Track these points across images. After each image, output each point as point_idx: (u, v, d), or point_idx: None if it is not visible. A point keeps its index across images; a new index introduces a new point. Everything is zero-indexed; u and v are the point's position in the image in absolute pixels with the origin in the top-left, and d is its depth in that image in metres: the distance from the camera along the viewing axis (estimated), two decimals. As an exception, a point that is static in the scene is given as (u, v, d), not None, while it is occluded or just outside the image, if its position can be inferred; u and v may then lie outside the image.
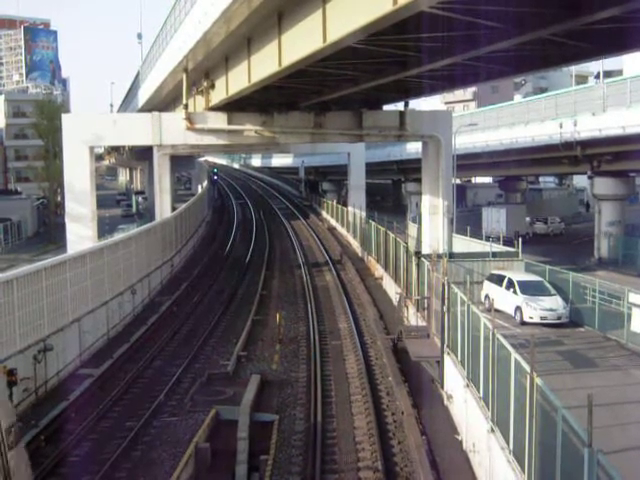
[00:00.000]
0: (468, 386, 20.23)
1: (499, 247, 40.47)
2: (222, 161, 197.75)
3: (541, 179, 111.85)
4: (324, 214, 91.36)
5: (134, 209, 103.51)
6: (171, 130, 42.24)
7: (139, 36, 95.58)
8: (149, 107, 57.88)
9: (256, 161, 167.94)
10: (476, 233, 46.38)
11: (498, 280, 34.52)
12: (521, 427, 14.56)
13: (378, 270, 46.75)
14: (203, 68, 38.45)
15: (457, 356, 22.25)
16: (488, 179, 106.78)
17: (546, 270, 35.31)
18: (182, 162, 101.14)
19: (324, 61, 26.05)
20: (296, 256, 58.73)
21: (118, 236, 41.73)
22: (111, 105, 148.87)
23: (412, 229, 53.78)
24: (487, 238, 42.99)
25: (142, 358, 28.94)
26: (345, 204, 78.23)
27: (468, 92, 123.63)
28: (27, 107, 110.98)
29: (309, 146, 74.42)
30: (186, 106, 41.21)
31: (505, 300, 32.80)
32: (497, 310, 27.19)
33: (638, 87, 44.76)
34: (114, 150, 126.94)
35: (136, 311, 37.24)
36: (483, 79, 36.84)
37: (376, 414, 22.74)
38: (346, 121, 43.16)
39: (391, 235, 42.08)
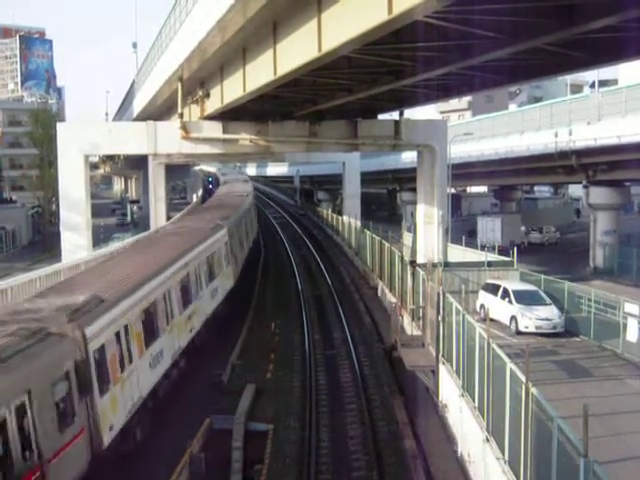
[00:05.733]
0: (463, 396, 20.16)
1: (494, 256, 40.48)
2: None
3: (536, 188, 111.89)
4: (319, 223, 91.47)
5: (129, 218, 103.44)
6: (166, 139, 42.16)
7: (134, 45, 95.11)
8: (144, 116, 57.79)
9: (251, 170, 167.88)
10: (471, 242, 46.39)
11: (493, 289, 34.50)
12: (516, 437, 14.50)
13: (373, 279, 46.70)
14: (198, 77, 38.40)
15: (452, 366, 22.19)
16: (483, 188, 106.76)
17: (541, 279, 35.31)
18: (177, 171, 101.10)
19: (319, 70, 26.03)
20: (291, 266, 58.59)
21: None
22: (106, 114, 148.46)
23: (407, 238, 53.79)
24: (482, 247, 43.00)
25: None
26: (340, 213, 78.23)
27: (463, 101, 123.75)
28: (22, 116, 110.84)
29: (304, 155, 74.35)
30: (181, 115, 41.15)
31: (500, 309, 32.78)
32: (492, 319, 27.13)
33: (633, 96, 44.78)
34: (109, 159, 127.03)
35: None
36: (478, 88, 36.88)
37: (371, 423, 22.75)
38: (341, 130, 43.12)
39: (386, 244, 42.04)
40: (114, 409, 17.91)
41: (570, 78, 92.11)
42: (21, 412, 13.70)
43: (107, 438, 17.14)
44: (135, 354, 20.18)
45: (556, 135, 50.95)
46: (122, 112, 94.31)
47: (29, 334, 15.35)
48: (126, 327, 19.65)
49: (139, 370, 20.37)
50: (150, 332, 21.94)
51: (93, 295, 18.78)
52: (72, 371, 15.85)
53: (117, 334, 18.88)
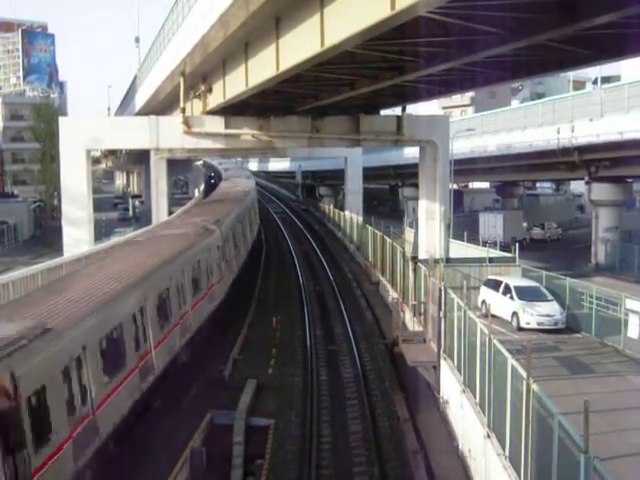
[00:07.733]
0: (464, 392, 20.17)
1: (496, 252, 40.43)
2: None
3: (538, 185, 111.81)
4: (321, 218, 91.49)
5: (131, 213, 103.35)
6: (168, 134, 42.16)
7: (137, 40, 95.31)
8: (146, 111, 57.80)
9: (253, 165, 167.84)
10: (473, 238, 46.31)
11: (495, 285, 34.46)
12: (517, 433, 14.51)
13: (375, 275, 46.67)
14: (201, 72, 38.39)
15: (453, 361, 22.20)
16: (485, 184, 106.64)
17: (543, 276, 35.26)
18: (179, 166, 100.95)
19: (322, 65, 26.02)
20: (293, 261, 58.59)
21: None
22: (108, 108, 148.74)
23: (409, 234, 53.71)
24: (484, 243, 42.93)
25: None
26: (342, 209, 78.16)
27: (466, 97, 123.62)
28: (24, 110, 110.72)
29: (306, 150, 74.21)
30: (183, 110, 41.14)
31: (502, 306, 32.73)
32: (494, 316, 27.12)
33: (636, 93, 44.67)
34: (111, 154, 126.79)
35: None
36: (480, 84, 36.83)
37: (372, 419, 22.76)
38: (343, 125, 43.10)
39: (388, 240, 42.01)
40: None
41: (572, 74, 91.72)
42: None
43: None
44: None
45: (558, 131, 50.83)
46: (124, 107, 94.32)
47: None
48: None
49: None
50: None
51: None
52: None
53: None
